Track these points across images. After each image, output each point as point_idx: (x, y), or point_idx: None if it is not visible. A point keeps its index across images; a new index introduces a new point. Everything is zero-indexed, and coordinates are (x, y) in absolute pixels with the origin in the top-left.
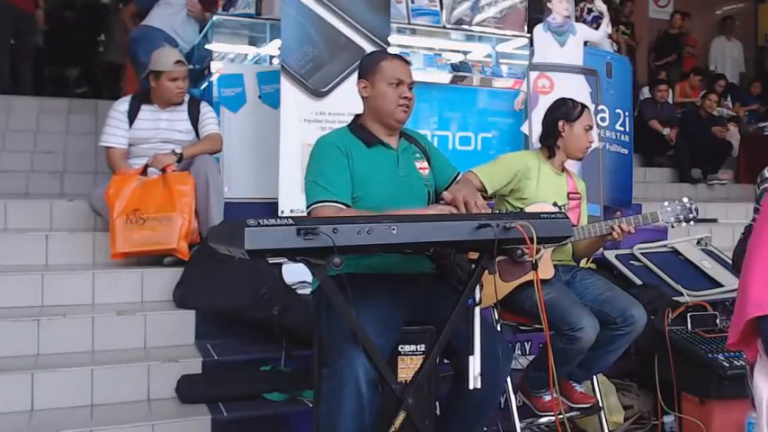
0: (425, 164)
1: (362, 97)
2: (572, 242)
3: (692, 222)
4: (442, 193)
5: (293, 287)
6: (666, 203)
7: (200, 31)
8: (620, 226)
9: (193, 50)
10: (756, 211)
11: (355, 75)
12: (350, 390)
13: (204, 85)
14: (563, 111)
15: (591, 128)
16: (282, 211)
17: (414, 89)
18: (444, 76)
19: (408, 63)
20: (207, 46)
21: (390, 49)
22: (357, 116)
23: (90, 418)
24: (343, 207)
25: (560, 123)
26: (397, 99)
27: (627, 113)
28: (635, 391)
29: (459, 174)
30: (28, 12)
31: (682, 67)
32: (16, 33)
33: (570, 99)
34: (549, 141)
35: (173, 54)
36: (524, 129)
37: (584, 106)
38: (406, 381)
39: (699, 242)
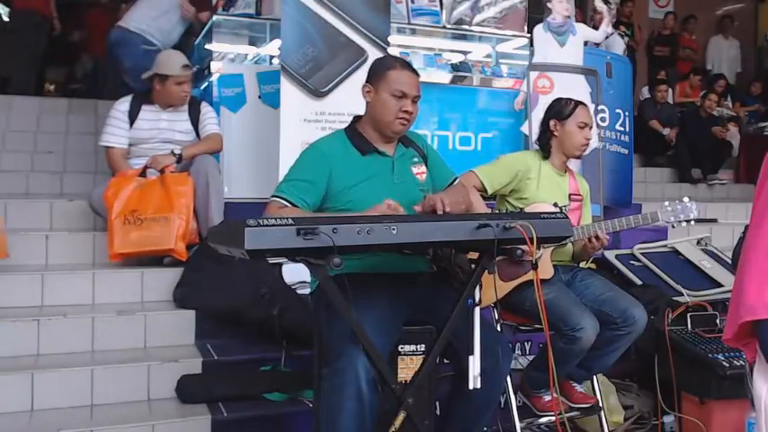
0: (423, 168)
1: (366, 101)
2: (571, 243)
3: (692, 222)
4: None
5: (293, 287)
6: (667, 203)
7: (186, 32)
8: (596, 235)
9: (192, 52)
10: None
11: (356, 75)
12: (350, 389)
13: (204, 85)
14: (555, 110)
15: (586, 125)
16: None
17: (418, 102)
18: (444, 76)
19: (417, 75)
20: (207, 46)
21: (390, 50)
22: (356, 119)
23: (90, 418)
24: (288, 205)
25: (552, 123)
26: (397, 111)
27: (627, 113)
28: (635, 391)
29: (456, 179)
30: (47, 16)
31: (677, 69)
32: (35, 38)
33: (564, 98)
34: (542, 141)
35: (180, 58)
36: (524, 129)
37: (578, 103)
38: (406, 381)
39: (699, 242)
